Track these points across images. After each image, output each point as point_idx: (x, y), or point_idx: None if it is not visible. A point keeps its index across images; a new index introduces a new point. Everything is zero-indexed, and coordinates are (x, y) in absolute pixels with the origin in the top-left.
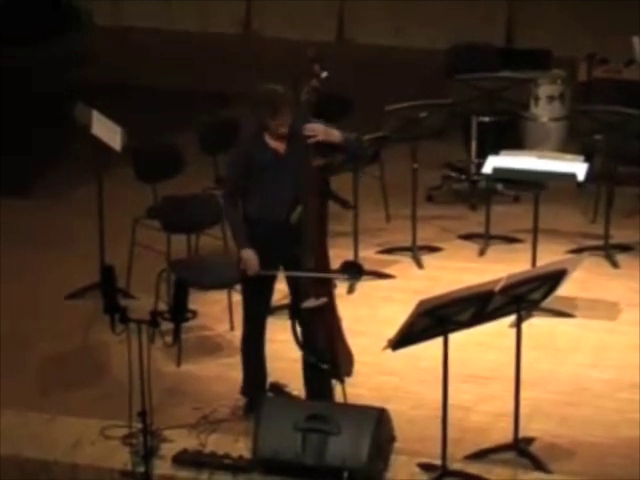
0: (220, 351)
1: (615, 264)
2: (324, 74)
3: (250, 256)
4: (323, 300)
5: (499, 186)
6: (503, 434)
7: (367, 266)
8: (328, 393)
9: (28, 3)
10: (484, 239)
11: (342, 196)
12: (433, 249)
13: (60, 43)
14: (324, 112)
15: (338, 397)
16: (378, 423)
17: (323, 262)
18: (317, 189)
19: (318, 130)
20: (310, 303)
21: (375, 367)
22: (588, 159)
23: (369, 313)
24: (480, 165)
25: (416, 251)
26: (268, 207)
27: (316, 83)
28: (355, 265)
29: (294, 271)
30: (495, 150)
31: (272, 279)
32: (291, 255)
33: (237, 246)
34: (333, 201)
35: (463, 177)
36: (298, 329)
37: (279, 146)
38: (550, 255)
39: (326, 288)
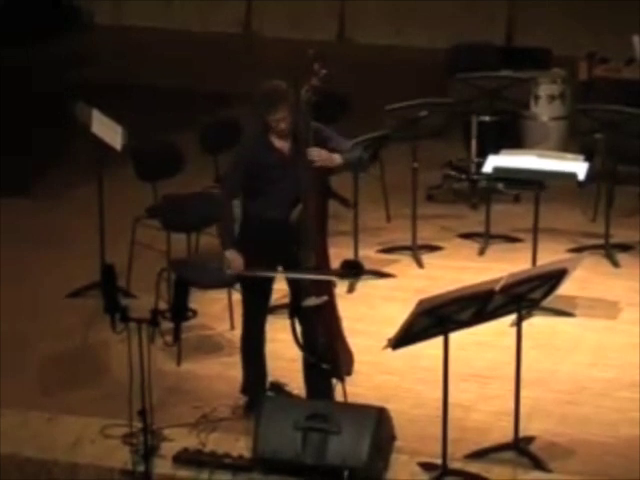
0: (220, 350)
1: (615, 263)
2: (323, 72)
3: (235, 256)
4: (324, 298)
5: (499, 185)
6: (503, 433)
7: (367, 265)
8: (328, 392)
9: (28, 3)
10: (484, 238)
11: (342, 195)
12: (433, 248)
13: (60, 43)
14: (323, 112)
15: (338, 396)
16: (378, 422)
17: (323, 261)
18: (317, 188)
19: (321, 156)
20: (311, 301)
21: (375, 366)
22: (588, 158)
23: (369, 312)
24: (480, 164)
25: (416, 250)
26: (270, 206)
27: (316, 82)
28: (355, 264)
29: (294, 270)
30: (495, 149)
31: (270, 277)
32: (291, 254)
33: (223, 246)
34: (333, 200)
35: (463, 176)
36: (298, 329)
37: (284, 146)
38: (550, 254)
39: (327, 286)
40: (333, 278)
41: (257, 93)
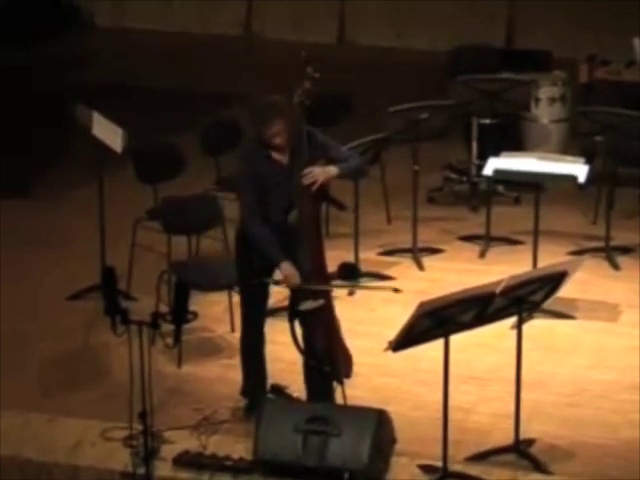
0: (221, 352)
1: (616, 266)
2: (316, 75)
3: (291, 271)
4: (320, 302)
5: (500, 187)
6: (504, 435)
7: (368, 267)
8: (329, 395)
9: (28, 3)
10: (485, 241)
11: (339, 199)
12: (434, 250)
13: (60, 43)
14: (325, 114)
15: (338, 399)
16: (379, 424)
17: (319, 263)
18: (311, 192)
19: (317, 174)
20: (308, 305)
21: (375, 368)
22: (589, 161)
23: (369, 314)
24: (481, 167)
25: (417, 252)
26: (270, 209)
27: (308, 85)
28: (352, 266)
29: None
30: (496, 152)
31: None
32: (290, 254)
33: (276, 262)
34: (329, 204)
35: (464, 179)
36: (298, 332)
37: (283, 158)
38: (551, 257)
39: (323, 290)
40: (343, 286)
41: (252, 107)
